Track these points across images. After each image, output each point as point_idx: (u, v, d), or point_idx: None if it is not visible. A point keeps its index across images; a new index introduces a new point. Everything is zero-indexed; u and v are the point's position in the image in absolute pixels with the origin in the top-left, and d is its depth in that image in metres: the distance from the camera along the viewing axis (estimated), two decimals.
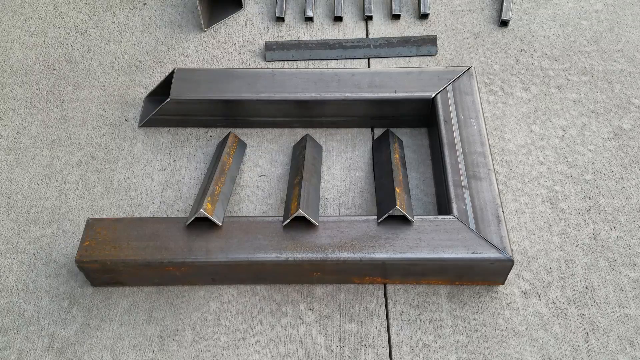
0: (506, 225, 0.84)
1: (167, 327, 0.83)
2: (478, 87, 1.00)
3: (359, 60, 1.16)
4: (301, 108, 1.01)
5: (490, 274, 0.83)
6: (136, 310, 0.85)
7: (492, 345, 0.81)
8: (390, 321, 0.83)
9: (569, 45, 1.17)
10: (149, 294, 0.86)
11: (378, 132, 1.05)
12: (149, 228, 0.84)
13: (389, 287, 0.86)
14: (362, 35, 1.20)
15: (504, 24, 1.21)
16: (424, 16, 1.22)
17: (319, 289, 0.86)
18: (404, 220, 0.84)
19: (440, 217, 0.85)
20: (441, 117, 0.95)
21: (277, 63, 1.16)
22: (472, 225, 0.83)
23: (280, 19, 1.22)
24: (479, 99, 0.98)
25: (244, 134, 1.04)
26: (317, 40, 1.18)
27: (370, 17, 1.23)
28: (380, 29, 1.21)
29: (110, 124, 1.06)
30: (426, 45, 1.16)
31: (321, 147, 1.02)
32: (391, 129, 1.03)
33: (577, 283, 0.86)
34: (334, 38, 1.20)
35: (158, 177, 0.99)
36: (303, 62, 1.17)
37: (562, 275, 0.87)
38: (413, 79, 1.01)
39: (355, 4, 1.26)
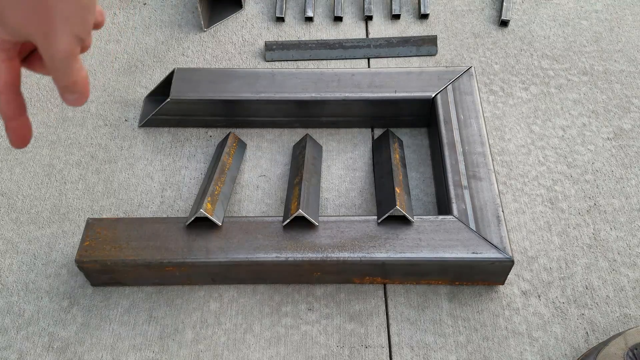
0: (506, 225, 0.84)
1: (167, 327, 0.83)
2: (478, 87, 1.00)
3: (359, 60, 1.16)
4: (301, 108, 1.01)
5: (490, 274, 0.83)
6: (136, 310, 0.85)
7: (492, 345, 0.81)
8: (390, 321, 0.83)
9: (569, 45, 1.17)
10: (149, 294, 0.86)
11: (378, 132, 1.05)
12: (149, 228, 0.84)
13: (389, 287, 0.86)
14: (362, 35, 1.20)
15: (504, 24, 1.21)
16: (424, 16, 1.22)
17: (319, 289, 0.86)
18: (404, 220, 0.84)
19: (440, 217, 0.85)
20: (441, 117, 0.95)
21: (277, 63, 1.16)
22: (472, 225, 0.83)
23: (280, 19, 1.22)
24: (479, 99, 0.98)
25: (244, 134, 1.04)
26: (317, 40, 1.18)
27: (370, 17, 1.23)
28: (380, 29, 1.21)
29: (110, 124, 1.06)
30: (426, 45, 1.16)
31: (321, 147, 1.02)
32: (391, 129, 1.03)
33: (577, 283, 0.86)
34: (334, 38, 1.20)
35: (158, 177, 0.99)
36: (303, 62, 1.17)
37: (562, 275, 0.87)
38: (413, 79, 1.01)
39: (355, 4, 1.26)
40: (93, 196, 0.97)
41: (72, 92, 0.48)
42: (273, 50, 1.16)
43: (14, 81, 0.48)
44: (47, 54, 0.44)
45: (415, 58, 1.16)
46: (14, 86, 0.48)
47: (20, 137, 0.50)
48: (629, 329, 0.72)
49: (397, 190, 0.86)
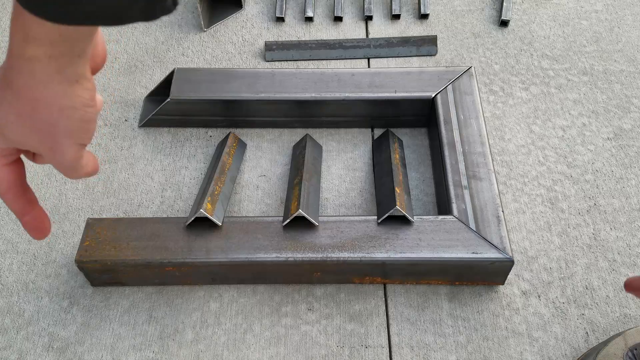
0: (506, 225, 0.84)
1: (167, 327, 0.83)
2: (478, 87, 1.00)
3: (359, 60, 1.16)
4: (301, 108, 1.01)
5: (490, 274, 0.83)
6: (136, 310, 0.85)
7: (492, 345, 0.81)
8: (390, 321, 0.83)
9: (569, 45, 1.17)
10: (149, 294, 0.86)
11: (378, 132, 1.05)
12: (149, 228, 0.84)
13: (389, 287, 0.86)
14: (362, 35, 1.20)
15: (504, 24, 1.21)
16: (424, 16, 1.22)
17: (319, 289, 0.86)
18: (404, 220, 0.84)
19: (440, 217, 0.85)
20: (441, 117, 0.95)
21: (277, 63, 1.16)
22: (472, 225, 0.83)
23: (280, 19, 1.22)
24: (479, 99, 0.98)
25: (244, 134, 1.04)
26: (317, 40, 1.18)
27: (370, 17, 1.23)
28: (380, 29, 1.21)
29: (110, 124, 1.06)
30: (426, 45, 1.16)
31: (321, 147, 1.02)
32: (391, 129, 1.03)
33: (577, 283, 0.86)
34: (334, 38, 1.20)
35: (158, 177, 0.99)
36: (303, 62, 1.17)
37: (562, 275, 0.87)
38: (413, 79, 1.01)
39: (355, 4, 1.26)
40: (93, 196, 0.97)
41: (85, 176, 0.48)
42: (273, 50, 1.16)
43: (17, 180, 0.47)
44: (54, 162, 0.44)
45: (415, 58, 1.16)
46: (19, 185, 0.47)
47: (37, 229, 0.49)
48: (629, 329, 0.72)
49: (397, 190, 0.86)
